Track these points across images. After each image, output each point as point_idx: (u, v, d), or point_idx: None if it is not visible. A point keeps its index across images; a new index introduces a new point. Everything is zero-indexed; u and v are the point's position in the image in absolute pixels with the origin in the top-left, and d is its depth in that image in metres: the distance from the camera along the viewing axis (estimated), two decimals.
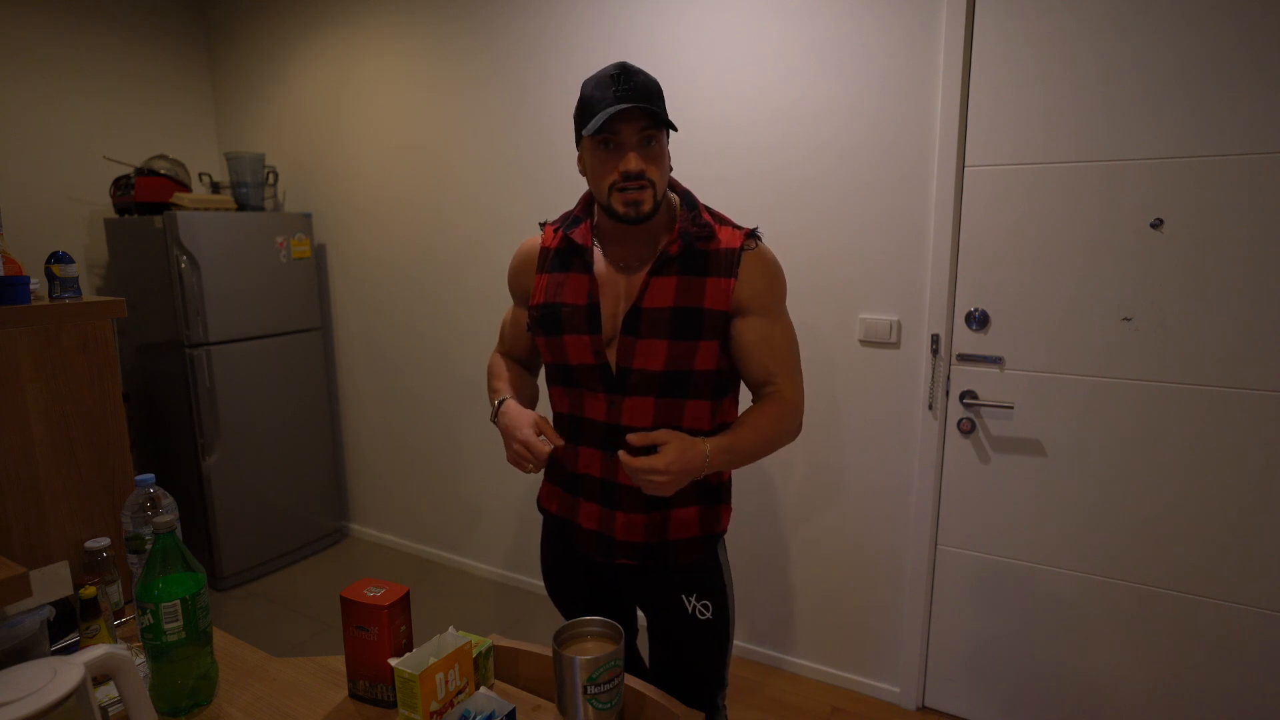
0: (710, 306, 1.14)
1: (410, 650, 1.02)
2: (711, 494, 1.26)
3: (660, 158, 1.11)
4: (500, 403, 1.26)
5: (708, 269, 1.16)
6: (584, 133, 1.09)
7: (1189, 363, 1.71)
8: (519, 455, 1.17)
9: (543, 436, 1.16)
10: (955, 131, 1.85)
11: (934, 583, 2.10)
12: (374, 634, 0.99)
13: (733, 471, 1.28)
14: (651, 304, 1.15)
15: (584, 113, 1.10)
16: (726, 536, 1.33)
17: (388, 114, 2.95)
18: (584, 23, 2.40)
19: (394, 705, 1.00)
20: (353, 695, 1.03)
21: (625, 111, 1.05)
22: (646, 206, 1.10)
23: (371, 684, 1.01)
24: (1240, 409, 1.67)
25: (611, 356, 1.18)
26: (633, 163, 1.07)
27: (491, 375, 1.37)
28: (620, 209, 1.11)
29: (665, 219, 1.19)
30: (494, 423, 1.26)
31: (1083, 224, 1.77)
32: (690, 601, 1.26)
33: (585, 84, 1.11)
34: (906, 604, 2.12)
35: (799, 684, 2.29)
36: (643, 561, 1.25)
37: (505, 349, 1.42)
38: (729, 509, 1.32)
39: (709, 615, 1.26)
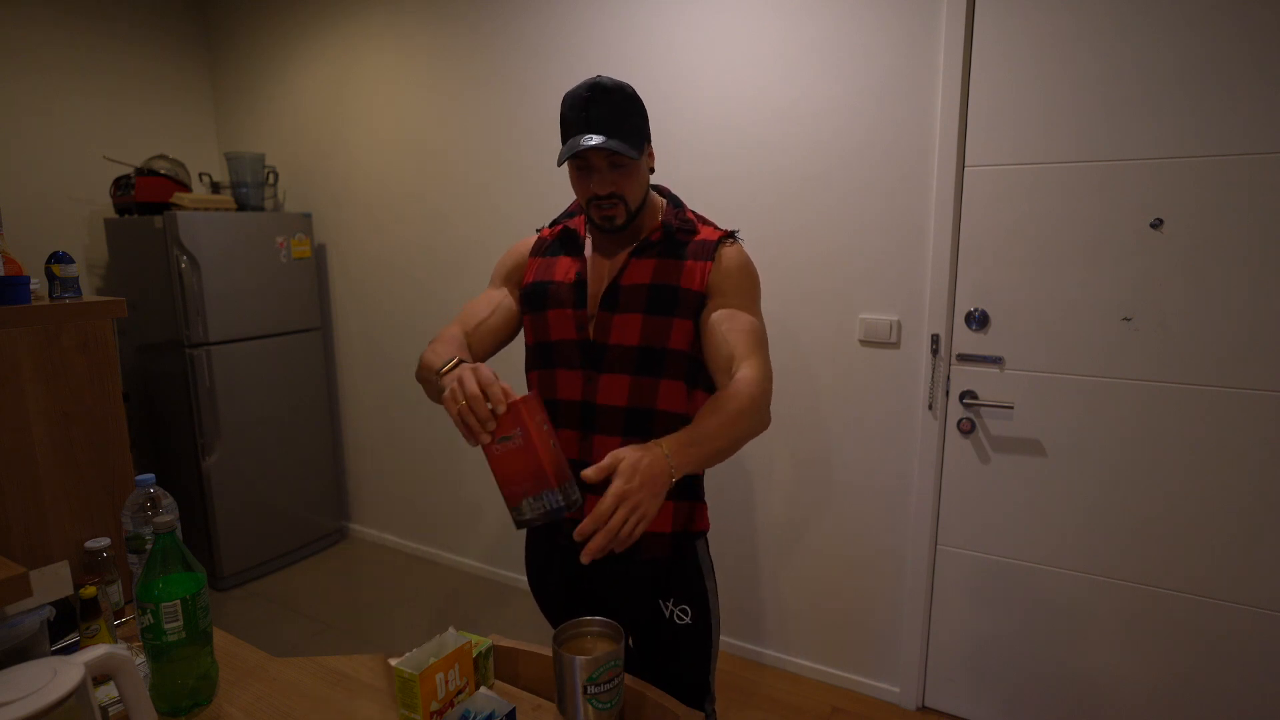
0: (685, 285, 1.19)
1: (560, 455, 0.95)
2: (685, 489, 1.26)
3: (632, 174, 1.16)
4: (456, 362, 1.05)
5: (686, 255, 1.22)
6: (557, 163, 1.17)
7: (1189, 363, 1.71)
8: (461, 408, 0.92)
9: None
10: (955, 131, 1.85)
11: (934, 583, 2.10)
12: (517, 437, 0.89)
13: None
14: (629, 281, 1.20)
15: (562, 131, 1.17)
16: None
17: (388, 114, 2.95)
18: (584, 23, 2.40)
19: (566, 509, 0.92)
20: (520, 524, 0.93)
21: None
22: (619, 220, 1.18)
23: (536, 497, 0.91)
24: (1240, 409, 1.67)
25: (591, 332, 1.22)
26: (600, 187, 1.15)
27: (434, 342, 1.22)
28: (597, 220, 1.19)
29: (650, 217, 1.25)
30: (437, 378, 1.05)
31: (1083, 224, 1.77)
32: (668, 606, 1.26)
33: (564, 100, 1.16)
34: (906, 604, 2.12)
35: (799, 684, 2.29)
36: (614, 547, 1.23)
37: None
38: (705, 507, 1.32)
39: (688, 620, 1.26)
